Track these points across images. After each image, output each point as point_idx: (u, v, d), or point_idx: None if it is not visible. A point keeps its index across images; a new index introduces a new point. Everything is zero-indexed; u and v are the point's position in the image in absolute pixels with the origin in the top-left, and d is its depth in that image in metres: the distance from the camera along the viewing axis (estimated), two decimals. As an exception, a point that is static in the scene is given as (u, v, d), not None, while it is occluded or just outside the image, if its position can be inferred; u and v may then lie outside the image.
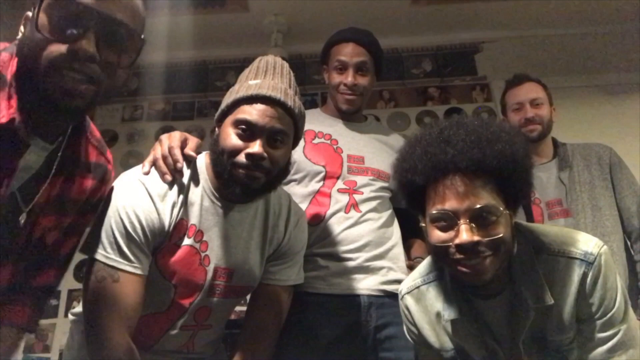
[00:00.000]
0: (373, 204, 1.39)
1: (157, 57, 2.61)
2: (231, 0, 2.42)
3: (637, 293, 1.47)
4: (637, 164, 1.62)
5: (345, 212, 1.36)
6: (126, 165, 2.59)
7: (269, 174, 0.98)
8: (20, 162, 0.75)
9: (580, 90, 2.61)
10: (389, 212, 1.44)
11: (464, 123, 0.88)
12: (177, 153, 1.02)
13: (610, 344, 0.87)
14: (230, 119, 0.98)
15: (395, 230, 1.43)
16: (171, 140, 1.05)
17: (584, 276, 0.86)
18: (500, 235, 0.81)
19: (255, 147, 0.94)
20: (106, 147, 0.96)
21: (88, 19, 0.69)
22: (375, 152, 1.48)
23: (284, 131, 0.98)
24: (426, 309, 1.01)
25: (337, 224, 1.34)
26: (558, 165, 1.60)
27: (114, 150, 2.64)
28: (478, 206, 0.80)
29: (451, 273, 0.94)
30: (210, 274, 1.02)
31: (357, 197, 1.38)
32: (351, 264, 1.32)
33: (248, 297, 1.18)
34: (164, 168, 1.00)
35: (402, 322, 1.08)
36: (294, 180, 1.40)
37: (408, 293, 1.04)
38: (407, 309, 1.04)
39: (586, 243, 0.89)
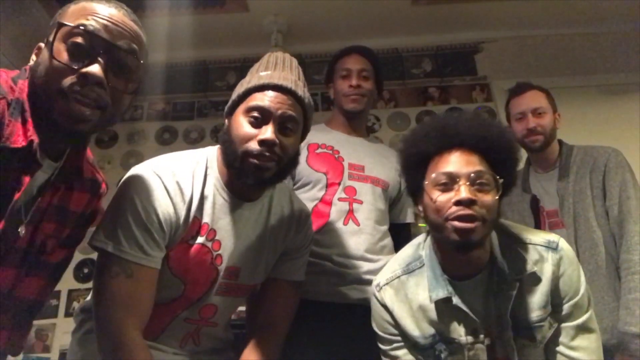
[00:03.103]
0: (371, 216, 1.42)
1: (157, 57, 2.61)
2: (231, 0, 2.42)
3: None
4: (637, 164, 1.61)
5: (344, 224, 1.39)
6: (126, 165, 2.59)
7: (280, 162, 0.97)
8: (31, 181, 0.77)
9: (580, 90, 2.60)
10: (385, 227, 1.48)
11: (466, 114, 1.05)
12: None
13: (576, 323, 0.98)
14: (241, 108, 0.99)
15: (391, 246, 1.46)
16: None
17: (553, 260, 0.98)
18: (495, 198, 0.93)
19: (268, 132, 0.94)
20: (97, 167, 1.00)
21: (98, 47, 0.76)
22: (375, 162, 1.52)
23: (295, 118, 0.99)
24: (406, 297, 1.04)
25: (336, 235, 1.37)
26: (558, 175, 1.58)
27: (114, 150, 2.65)
28: (477, 169, 0.93)
29: (440, 243, 1.00)
30: (221, 273, 1.02)
31: (356, 206, 1.41)
32: (348, 273, 1.34)
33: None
34: None
35: None
36: (297, 189, 1.44)
37: (387, 284, 1.07)
38: (384, 302, 1.06)
39: (547, 234, 1.04)
